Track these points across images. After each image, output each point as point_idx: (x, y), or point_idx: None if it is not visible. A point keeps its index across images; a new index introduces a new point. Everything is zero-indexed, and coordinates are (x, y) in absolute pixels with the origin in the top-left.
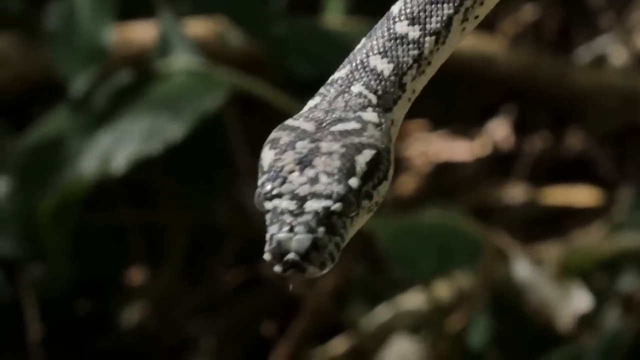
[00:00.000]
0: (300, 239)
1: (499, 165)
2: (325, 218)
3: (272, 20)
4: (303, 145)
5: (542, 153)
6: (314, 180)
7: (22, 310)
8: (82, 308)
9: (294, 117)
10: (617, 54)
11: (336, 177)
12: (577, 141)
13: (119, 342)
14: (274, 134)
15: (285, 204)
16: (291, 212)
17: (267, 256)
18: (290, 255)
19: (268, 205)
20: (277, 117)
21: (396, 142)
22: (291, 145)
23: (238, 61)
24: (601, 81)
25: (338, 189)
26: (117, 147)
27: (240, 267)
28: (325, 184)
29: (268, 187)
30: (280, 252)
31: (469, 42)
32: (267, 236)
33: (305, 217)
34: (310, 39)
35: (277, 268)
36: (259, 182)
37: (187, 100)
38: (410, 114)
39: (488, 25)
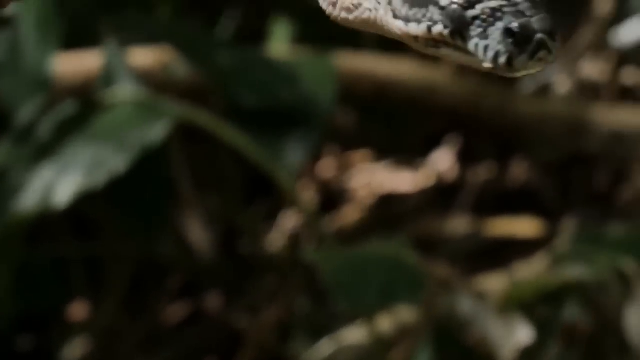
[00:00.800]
0: (542, 18)
1: (443, 196)
2: (538, 6)
3: (217, 50)
4: None
5: (487, 183)
6: None
7: None
8: (25, 343)
9: None
10: (562, 83)
11: None
12: (521, 171)
13: None
14: None
15: (494, 2)
16: (506, 6)
17: (507, 52)
18: (539, 35)
19: (472, 12)
20: (222, 148)
21: (339, 173)
22: None
23: (183, 91)
24: (545, 110)
25: None
26: (60, 180)
27: (183, 301)
28: None
29: None
30: (527, 35)
31: (413, 71)
32: (493, 39)
33: (527, 4)
34: (256, 69)
35: (525, 57)
36: (444, 1)
37: (131, 131)
38: (354, 144)
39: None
